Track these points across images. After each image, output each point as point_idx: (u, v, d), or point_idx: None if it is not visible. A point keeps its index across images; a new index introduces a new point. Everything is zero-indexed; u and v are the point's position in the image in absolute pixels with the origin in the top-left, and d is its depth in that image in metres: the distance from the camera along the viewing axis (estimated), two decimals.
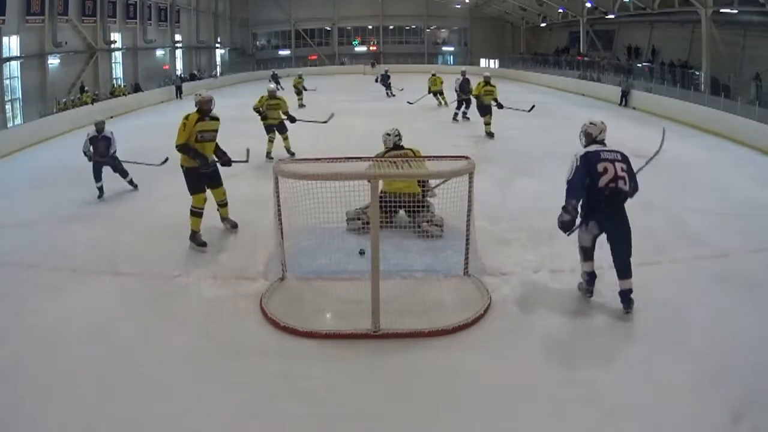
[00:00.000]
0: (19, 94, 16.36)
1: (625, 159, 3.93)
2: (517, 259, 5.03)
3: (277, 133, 9.34)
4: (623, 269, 3.93)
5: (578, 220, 3.97)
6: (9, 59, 15.86)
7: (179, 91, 22.08)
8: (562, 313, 4.10)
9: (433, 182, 5.56)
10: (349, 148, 8.08)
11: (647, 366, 3.41)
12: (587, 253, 4.12)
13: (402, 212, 5.60)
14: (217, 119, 5.49)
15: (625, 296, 3.96)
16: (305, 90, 17.01)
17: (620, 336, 3.78)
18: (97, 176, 7.29)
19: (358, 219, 5.40)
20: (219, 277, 4.75)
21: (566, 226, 3.92)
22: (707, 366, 3.38)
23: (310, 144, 10.28)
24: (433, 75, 16.18)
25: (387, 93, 18.79)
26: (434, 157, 5.30)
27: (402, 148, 5.92)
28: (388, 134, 6.00)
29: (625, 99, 16.72)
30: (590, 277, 4.21)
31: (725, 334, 3.75)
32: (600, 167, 3.82)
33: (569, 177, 3.86)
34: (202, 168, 5.30)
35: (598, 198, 3.84)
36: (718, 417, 2.94)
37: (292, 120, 9.13)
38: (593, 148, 3.95)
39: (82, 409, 3.08)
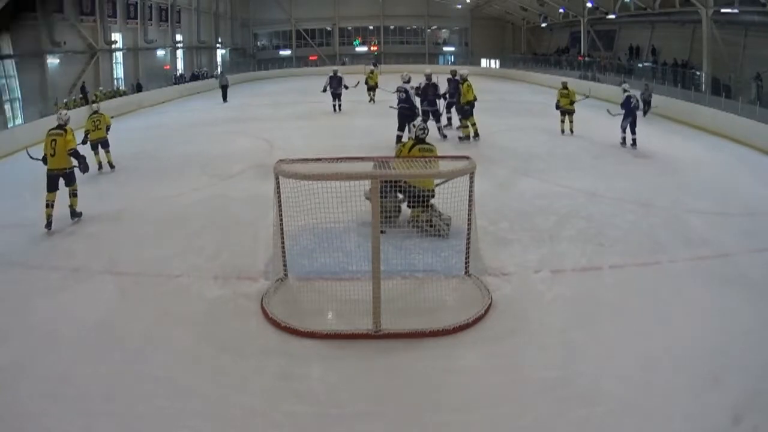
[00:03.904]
0: (18, 94, 16.37)
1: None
2: (517, 259, 5.03)
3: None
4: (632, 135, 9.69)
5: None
6: (9, 56, 15.85)
7: (224, 92, 19.40)
8: (562, 313, 4.12)
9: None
10: (349, 148, 8.13)
11: (647, 366, 3.41)
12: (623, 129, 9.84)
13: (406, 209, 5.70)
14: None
15: (633, 142, 9.72)
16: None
17: (620, 336, 3.79)
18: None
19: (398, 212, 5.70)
20: (220, 277, 4.76)
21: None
22: (707, 366, 3.38)
23: (310, 144, 10.30)
24: (372, 72, 17.71)
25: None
26: (435, 157, 5.29)
27: (424, 142, 5.86)
28: (422, 129, 5.95)
29: (646, 108, 13.20)
30: (623, 139, 9.82)
31: (726, 334, 3.76)
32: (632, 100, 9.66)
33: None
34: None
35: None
36: (718, 417, 2.94)
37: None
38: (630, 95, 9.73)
39: (82, 409, 3.08)
